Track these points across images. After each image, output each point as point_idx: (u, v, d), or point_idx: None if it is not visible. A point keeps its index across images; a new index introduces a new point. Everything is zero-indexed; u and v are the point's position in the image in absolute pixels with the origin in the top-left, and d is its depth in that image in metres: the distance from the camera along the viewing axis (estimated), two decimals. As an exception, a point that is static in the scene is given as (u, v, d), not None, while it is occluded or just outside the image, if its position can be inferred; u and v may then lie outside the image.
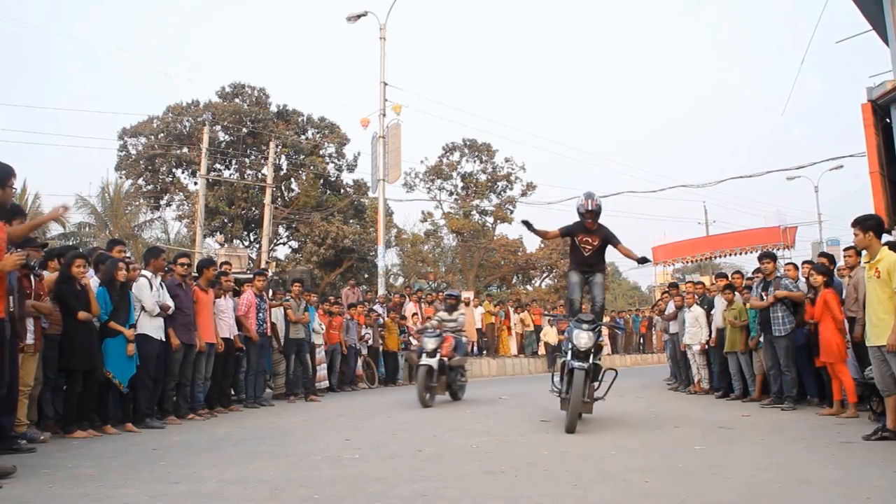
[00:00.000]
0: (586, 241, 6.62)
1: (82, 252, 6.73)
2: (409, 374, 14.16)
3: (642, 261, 6.77)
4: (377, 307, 13.61)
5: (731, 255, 29.59)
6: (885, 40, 10.32)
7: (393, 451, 5.08)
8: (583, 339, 5.89)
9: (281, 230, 27.47)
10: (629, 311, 26.28)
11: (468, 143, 29.69)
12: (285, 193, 27.48)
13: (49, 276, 6.09)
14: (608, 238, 6.64)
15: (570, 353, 5.93)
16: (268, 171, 24.19)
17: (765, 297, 7.84)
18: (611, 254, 6.85)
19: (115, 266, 6.53)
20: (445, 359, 8.54)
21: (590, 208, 6.46)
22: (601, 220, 6.63)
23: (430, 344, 8.44)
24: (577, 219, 6.63)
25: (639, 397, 10.03)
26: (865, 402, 6.54)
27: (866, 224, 5.38)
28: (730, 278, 10.32)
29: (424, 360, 8.32)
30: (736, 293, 9.21)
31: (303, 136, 27.48)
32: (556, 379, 6.46)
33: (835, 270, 7.87)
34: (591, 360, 5.88)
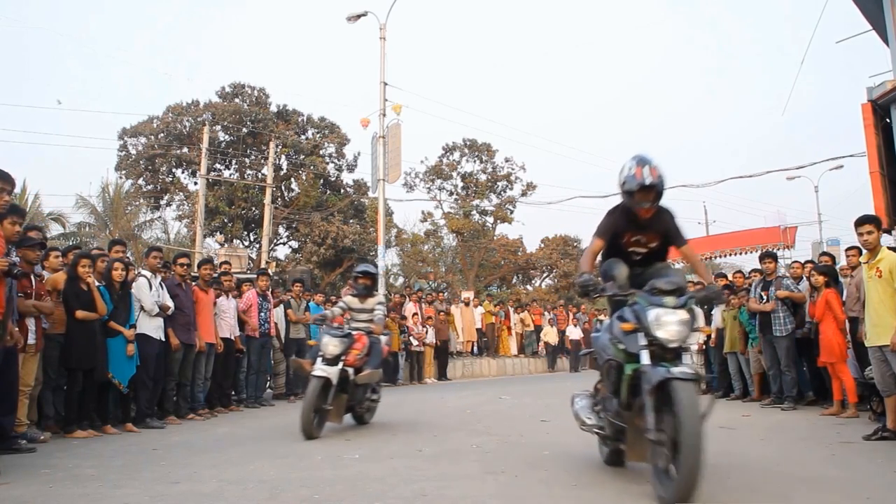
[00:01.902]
0: (638, 243, 4.03)
1: (88, 252, 6.74)
2: (411, 374, 14.17)
3: (712, 298, 3.88)
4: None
5: (731, 254, 29.56)
6: (885, 40, 10.33)
7: (393, 450, 5.09)
8: (672, 325, 3.35)
9: (281, 230, 27.46)
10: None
11: (468, 143, 29.66)
12: (285, 193, 27.47)
13: (50, 276, 6.10)
14: (671, 235, 3.99)
15: (644, 352, 3.36)
16: (268, 171, 24.19)
17: (764, 297, 7.84)
18: None
19: (111, 265, 6.55)
20: (350, 370, 5.97)
21: (647, 182, 3.65)
22: (662, 204, 3.89)
23: (331, 346, 5.88)
24: (623, 200, 3.88)
25: (639, 397, 10.03)
26: (866, 402, 6.54)
27: (879, 222, 5.42)
28: (730, 278, 10.33)
29: (320, 370, 5.76)
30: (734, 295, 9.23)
31: (303, 136, 27.47)
32: (583, 405, 4.12)
33: (837, 270, 7.88)
34: (685, 365, 3.37)
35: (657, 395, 3.24)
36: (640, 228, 3.94)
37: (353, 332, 6.20)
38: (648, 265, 4.10)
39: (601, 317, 21.38)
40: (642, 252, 4.06)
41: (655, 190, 3.70)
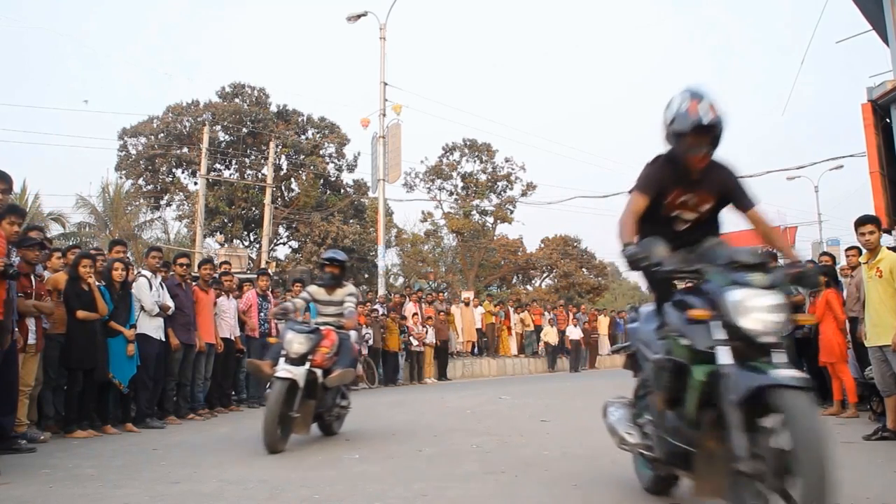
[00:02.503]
0: (685, 205, 3.07)
1: (89, 252, 6.74)
2: (411, 374, 14.17)
3: (809, 280, 2.84)
4: (377, 307, 13.61)
5: (731, 255, 29.56)
6: (885, 40, 10.33)
7: (393, 451, 5.09)
8: (763, 311, 2.51)
9: (281, 230, 27.47)
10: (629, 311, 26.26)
11: (468, 143, 29.69)
12: (285, 193, 27.49)
13: (51, 275, 6.10)
14: (732, 195, 3.06)
15: (722, 350, 2.47)
16: (268, 171, 24.20)
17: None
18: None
19: (111, 265, 6.56)
20: (319, 371, 5.23)
21: (705, 120, 2.77)
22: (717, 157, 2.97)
23: (297, 344, 5.15)
24: (670, 147, 2.99)
25: (639, 397, 10.02)
26: (866, 402, 6.54)
27: (880, 222, 5.42)
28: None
29: (284, 372, 5.03)
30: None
31: (303, 136, 27.49)
32: (621, 417, 3.36)
33: (837, 270, 7.87)
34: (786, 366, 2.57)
35: (748, 410, 2.33)
36: (689, 185, 2.99)
37: (321, 328, 5.45)
38: (695, 241, 3.14)
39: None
40: (689, 219, 3.11)
41: (714, 133, 2.80)
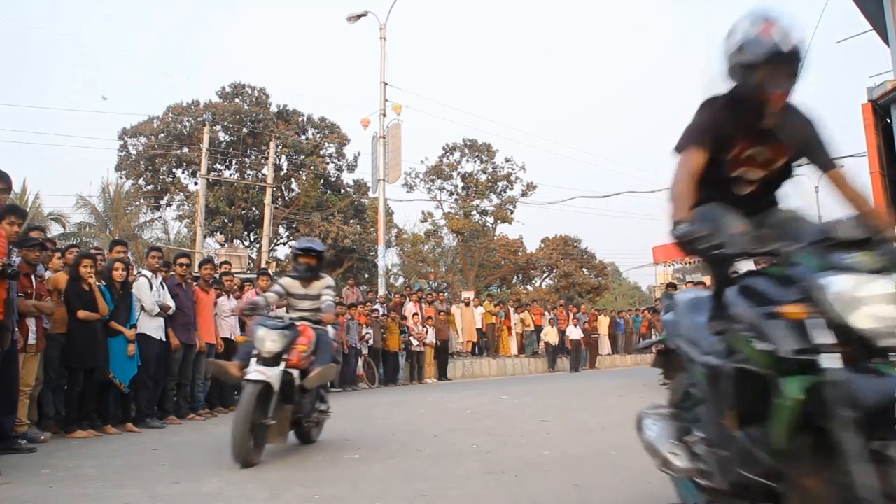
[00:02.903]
0: (752, 161, 2.40)
1: (89, 252, 6.75)
2: (411, 374, 14.18)
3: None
4: (378, 307, 13.62)
5: (731, 255, 29.55)
6: (886, 40, 10.32)
7: (393, 450, 5.09)
8: (881, 303, 1.80)
9: (281, 230, 27.48)
10: (629, 311, 26.28)
11: (468, 143, 29.70)
12: (285, 193, 27.50)
13: (52, 275, 6.10)
14: (813, 146, 2.38)
15: (829, 357, 1.80)
16: (268, 171, 24.21)
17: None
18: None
19: (112, 265, 6.56)
20: (295, 372, 4.75)
21: (784, 48, 2.15)
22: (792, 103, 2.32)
23: (270, 342, 4.62)
24: (734, 84, 2.30)
25: (640, 397, 10.01)
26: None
27: None
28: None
29: (256, 373, 4.49)
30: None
31: (303, 136, 27.49)
32: (662, 431, 2.70)
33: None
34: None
35: (871, 432, 1.73)
36: (759, 135, 2.32)
37: (297, 324, 4.92)
38: (761, 208, 2.48)
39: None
40: (755, 180, 2.42)
41: (794, 64, 2.19)
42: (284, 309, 5.32)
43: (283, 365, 4.65)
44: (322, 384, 5.28)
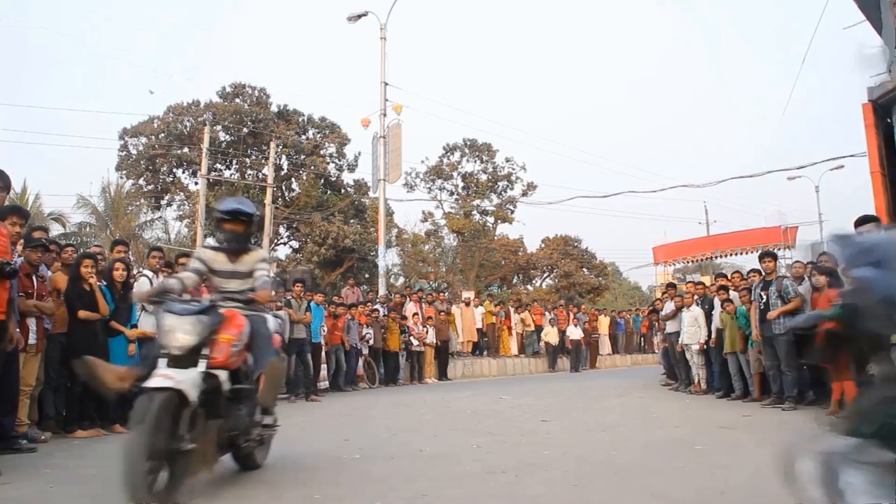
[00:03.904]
0: None
1: (91, 253, 6.75)
2: (411, 374, 14.17)
3: None
4: (378, 307, 13.62)
5: (731, 255, 29.60)
6: (887, 40, 10.31)
7: (394, 451, 5.09)
8: None
9: (282, 230, 27.48)
10: (629, 311, 26.28)
11: (468, 143, 29.68)
12: (286, 193, 27.49)
13: (52, 275, 6.10)
14: None
15: None
16: (268, 171, 24.21)
17: (764, 297, 7.85)
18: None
19: (112, 265, 6.57)
20: (223, 374, 3.59)
21: None
22: None
23: (181, 333, 3.48)
24: None
25: (640, 397, 10.03)
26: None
27: (880, 222, 5.41)
28: (729, 278, 10.34)
29: (159, 379, 3.32)
30: (730, 292, 9.28)
31: (303, 136, 27.48)
32: (860, 483, 1.65)
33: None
34: None
35: None
36: None
37: (224, 309, 3.80)
38: None
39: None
40: None
41: None
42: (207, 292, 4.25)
43: (202, 365, 3.46)
44: (273, 392, 4.08)
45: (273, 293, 4.60)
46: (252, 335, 3.87)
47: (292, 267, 24.50)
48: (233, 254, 4.17)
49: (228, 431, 3.70)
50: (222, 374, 3.58)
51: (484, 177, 29.73)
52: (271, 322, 4.23)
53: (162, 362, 3.44)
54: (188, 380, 3.34)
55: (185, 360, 3.45)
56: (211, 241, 24.82)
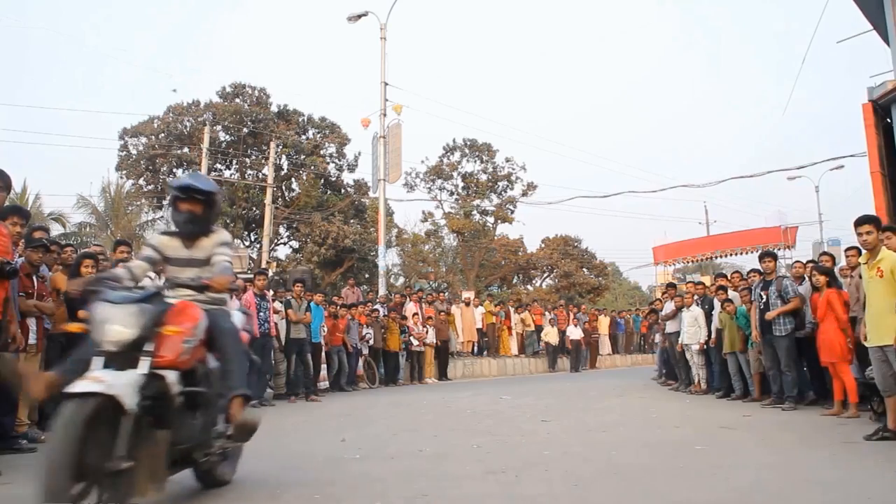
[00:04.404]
0: None
1: (92, 252, 6.75)
2: (411, 374, 14.18)
3: None
4: (378, 307, 13.62)
5: (731, 255, 29.61)
6: (886, 40, 10.31)
7: (394, 451, 5.08)
8: None
9: (282, 230, 27.48)
10: (629, 311, 26.28)
11: (468, 143, 29.69)
12: (286, 193, 27.50)
13: (53, 275, 6.10)
14: None
15: None
16: (268, 171, 24.21)
17: (764, 297, 7.85)
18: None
19: (116, 265, 6.56)
20: (171, 374, 3.02)
21: None
22: None
23: (117, 326, 2.89)
24: None
25: (639, 397, 10.03)
26: (866, 402, 6.54)
27: (879, 222, 5.40)
28: (729, 278, 10.35)
29: (86, 384, 2.67)
30: (729, 291, 9.29)
31: (303, 136, 27.49)
32: None
33: (836, 270, 7.88)
34: None
35: None
36: None
37: (171, 299, 3.31)
38: None
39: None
40: None
41: None
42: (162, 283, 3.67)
43: (144, 364, 2.89)
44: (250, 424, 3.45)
45: (233, 281, 3.66)
46: (213, 331, 3.35)
47: (292, 267, 24.51)
48: (189, 238, 3.64)
49: (182, 444, 3.08)
50: (170, 375, 2.98)
51: (484, 177, 29.73)
52: (237, 318, 3.77)
53: (98, 362, 2.87)
54: (124, 383, 2.75)
55: (124, 358, 2.88)
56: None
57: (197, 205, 3.58)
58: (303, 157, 26.72)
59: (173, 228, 3.75)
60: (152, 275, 3.86)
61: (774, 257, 8.38)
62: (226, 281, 3.43)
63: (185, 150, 25.55)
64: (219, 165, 26.56)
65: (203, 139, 22.68)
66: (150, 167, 26.29)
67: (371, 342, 12.82)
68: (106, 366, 2.87)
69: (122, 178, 26.57)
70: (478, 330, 16.97)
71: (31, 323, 5.47)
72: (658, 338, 14.57)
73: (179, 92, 43.97)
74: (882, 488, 3.67)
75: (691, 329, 10.13)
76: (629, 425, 6.61)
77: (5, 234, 4.56)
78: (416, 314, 14.35)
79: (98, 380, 2.72)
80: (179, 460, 3.17)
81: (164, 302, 3.16)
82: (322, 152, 27.40)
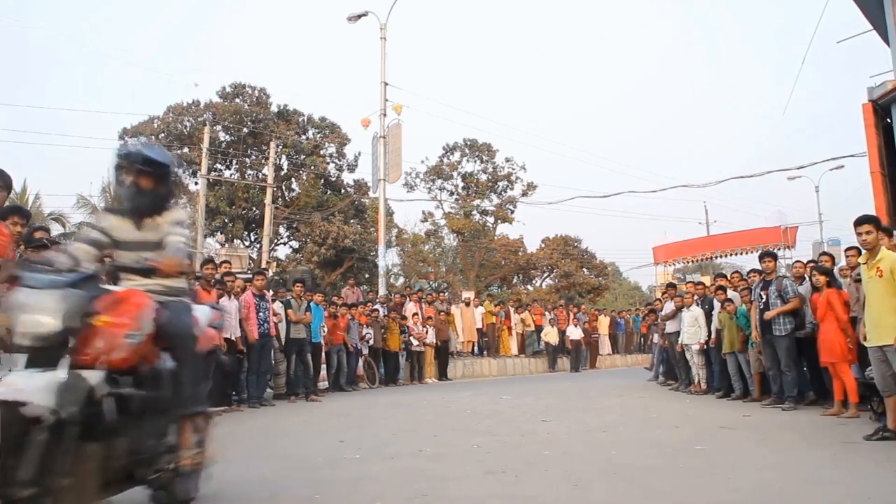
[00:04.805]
0: None
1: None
2: (411, 374, 14.18)
3: None
4: (378, 307, 13.62)
5: (731, 255, 29.60)
6: (886, 40, 10.31)
7: (394, 451, 5.08)
8: None
9: (282, 230, 27.48)
10: (629, 311, 26.27)
11: (468, 142, 29.70)
12: (286, 193, 27.50)
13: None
14: None
15: None
16: (268, 171, 24.21)
17: (764, 297, 7.85)
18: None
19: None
20: (93, 374, 2.42)
21: None
22: None
23: (38, 316, 2.35)
24: None
25: (640, 397, 10.03)
26: (866, 402, 6.54)
27: (879, 222, 5.40)
28: (728, 278, 10.35)
29: (5, 389, 2.23)
30: (729, 291, 9.28)
31: (303, 136, 27.50)
32: None
33: (836, 270, 7.88)
34: None
35: None
36: None
37: (117, 289, 2.83)
38: None
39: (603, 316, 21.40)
40: None
41: None
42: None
43: (65, 363, 2.39)
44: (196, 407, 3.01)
45: (187, 264, 3.10)
46: (167, 327, 2.76)
47: (292, 267, 24.51)
48: (139, 218, 3.10)
49: (122, 459, 2.55)
50: (94, 376, 2.42)
51: (484, 177, 29.74)
52: (202, 312, 3.24)
53: (20, 361, 2.35)
54: (38, 387, 2.25)
55: (48, 355, 2.35)
56: (214, 244, 24.84)
57: (148, 179, 3.05)
58: (303, 157, 26.72)
59: (120, 207, 3.17)
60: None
61: (774, 257, 8.38)
62: (175, 263, 2.92)
63: (185, 150, 25.55)
64: (219, 165, 26.56)
65: (203, 139, 22.68)
66: (150, 167, 26.29)
67: (371, 342, 12.81)
68: (29, 365, 2.34)
69: (122, 178, 26.58)
70: (478, 330, 16.96)
71: None
72: (656, 338, 14.58)
73: (179, 92, 43.96)
74: (882, 488, 3.67)
75: (691, 329, 10.13)
76: (629, 425, 6.61)
77: (6, 234, 4.56)
78: (416, 314, 14.34)
79: (8, 384, 2.24)
80: (119, 479, 2.60)
81: (100, 287, 2.61)
82: (322, 152, 27.40)
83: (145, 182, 3.05)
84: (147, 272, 2.90)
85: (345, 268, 25.31)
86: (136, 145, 3.31)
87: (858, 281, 5.91)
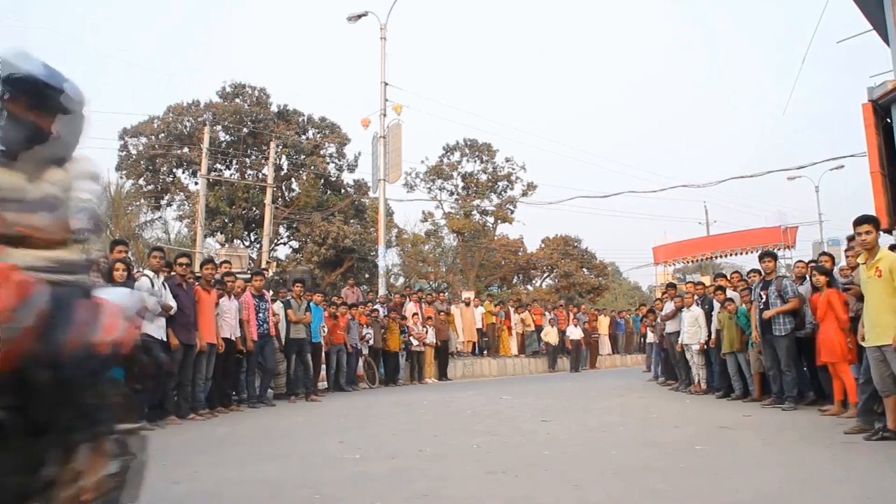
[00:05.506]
0: None
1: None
2: (411, 374, 14.18)
3: None
4: (378, 307, 13.62)
5: (731, 255, 29.60)
6: (886, 40, 10.31)
7: (394, 451, 5.08)
8: None
9: (282, 230, 27.48)
10: (629, 311, 26.27)
11: (469, 143, 29.70)
12: (286, 193, 27.50)
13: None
14: None
15: None
16: (268, 171, 24.21)
17: (763, 297, 7.86)
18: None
19: (113, 265, 6.57)
20: None
21: None
22: None
23: None
24: None
25: (640, 397, 10.03)
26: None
27: (878, 222, 5.40)
28: (728, 279, 10.35)
29: None
30: (728, 291, 9.29)
31: (303, 136, 27.50)
32: None
33: (835, 270, 7.88)
34: None
35: None
36: None
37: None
38: None
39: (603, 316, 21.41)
40: None
41: None
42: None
43: None
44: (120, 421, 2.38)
45: (82, 231, 2.10)
46: (56, 313, 1.90)
47: (292, 267, 24.51)
48: (32, 170, 2.06)
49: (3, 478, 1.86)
50: None
51: (484, 177, 29.74)
52: (117, 296, 2.18)
53: None
54: None
55: None
56: (214, 244, 24.83)
57: (32, 111, 2.03)
58: (303, 157, 26.73)
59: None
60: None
61: (774, 257, 8.38)
62: (60, 227, 2.04)
63: (185, 150, 25.56)
64: (219, 165, 26.57)
65: (203, 139, 22.68)
66: (150, 167, 26.29)
67: (371, 342, 12.81)
68: None
69: (122, 178, 26.59)
70: (478, 330, 16.96)
71: None
72: (651, 337, 14.57)
73: (179, 92, 43.94)
74: (882, 488, 3.67)
75: (691, 329, 10.13)
76: (629, 425, 6.61)
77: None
78: (415, 314, 14.34)
79: None
80: (10, 501, 1.89)
81: None
82: (322, 152, 27.41)
83: (35, 116, 2.04)
84: (17, 241, 1.93)
85: (345, 268, 25.32)
86: (24, 61, 2.01)
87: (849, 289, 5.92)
